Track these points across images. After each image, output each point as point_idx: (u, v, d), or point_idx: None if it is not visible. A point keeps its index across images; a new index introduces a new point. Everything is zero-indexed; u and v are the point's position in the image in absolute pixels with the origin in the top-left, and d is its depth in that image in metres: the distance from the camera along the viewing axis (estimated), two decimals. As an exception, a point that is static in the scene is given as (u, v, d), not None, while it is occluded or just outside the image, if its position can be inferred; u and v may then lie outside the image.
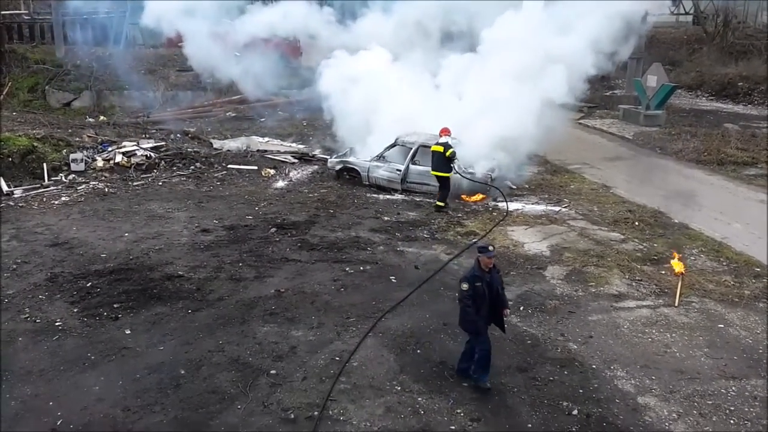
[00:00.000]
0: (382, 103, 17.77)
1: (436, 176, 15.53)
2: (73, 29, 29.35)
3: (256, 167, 18.46)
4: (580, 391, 8.52)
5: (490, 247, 8.52)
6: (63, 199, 15.47)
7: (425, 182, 16.27)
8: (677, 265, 11.99)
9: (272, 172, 18.20)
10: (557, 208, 15.75)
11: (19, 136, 17.85)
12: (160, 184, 16.94)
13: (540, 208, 15.82)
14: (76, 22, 29.46)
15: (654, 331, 10.09)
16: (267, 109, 26.37)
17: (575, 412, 8.09)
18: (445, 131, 15.47)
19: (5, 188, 15.61)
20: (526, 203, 16.13)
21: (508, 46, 17.11)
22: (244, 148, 20.07)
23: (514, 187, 17.21)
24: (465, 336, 9.69)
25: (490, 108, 16.63)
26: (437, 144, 15.42)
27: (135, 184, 16.81)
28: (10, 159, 16.59)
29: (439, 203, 15.44)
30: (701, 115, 27.62)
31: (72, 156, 17.38)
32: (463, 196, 16.17)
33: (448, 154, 15.21)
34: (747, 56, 34.43)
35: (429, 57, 19.37)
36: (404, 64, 19.05)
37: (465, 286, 8.30)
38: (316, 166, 18.89)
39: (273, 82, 28.18)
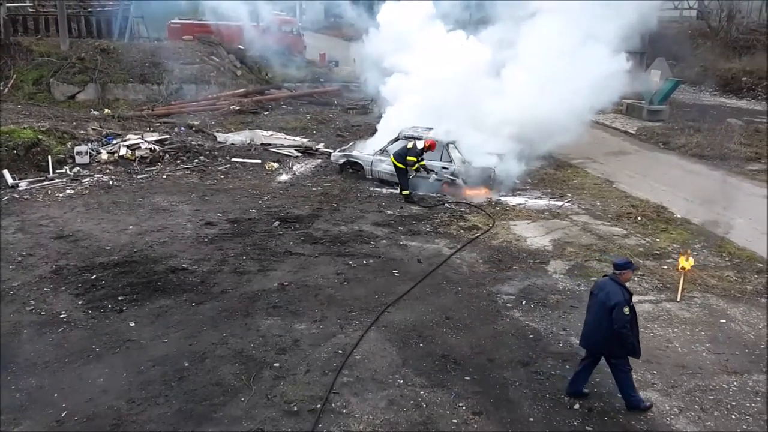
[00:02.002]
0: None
1: (393, 164, 15.79)
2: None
3: (259, 161, 18.49)
4: (582, 385, 8.56)
5: (633, 261, 8.14)
6: (68, 191, 15.53)
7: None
8: (688, 262, 11.76)
9: (276, 165, 18.24)
10: (560, 203, 15.77)
11: (24, 128, 17.87)
12: (165, 177, 16.98)
13: (543, 202, 15.84)
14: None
15: (656, 325, 10.12)
16: (270, 103, 26.39)
17: (577, 406, 8.13)
18: (429, 143, 15.68)
19: (10, 180, 15.66)
20: (529, 198, 16.16)
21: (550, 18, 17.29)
22: (248, 142, 20.10)
23: (518, 181, 17.22)
24: (468, 330, 9.74)
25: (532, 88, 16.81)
26: (415, 139, 15.69)
27: (139, 177, 16.86)
28: (15, 151, 16.63)
29: (404, 192, 15.64)
30: (704, 110, 27.55)
31: (77, 149, 17.41)
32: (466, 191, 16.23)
33: (409, 158, 15.47)
34: (751, 51, 34.34)
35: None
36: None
37: (627, 310, 7.68)
38: (320, 160, 18.92)
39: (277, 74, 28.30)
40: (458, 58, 17.43)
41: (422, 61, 17.81)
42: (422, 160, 15.78)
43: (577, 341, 9.52)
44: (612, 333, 7.76)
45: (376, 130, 19.29)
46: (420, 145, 15.54)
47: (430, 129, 16.87)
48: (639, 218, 14.70)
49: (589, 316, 8.16)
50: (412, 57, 18.20)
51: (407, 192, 15.68)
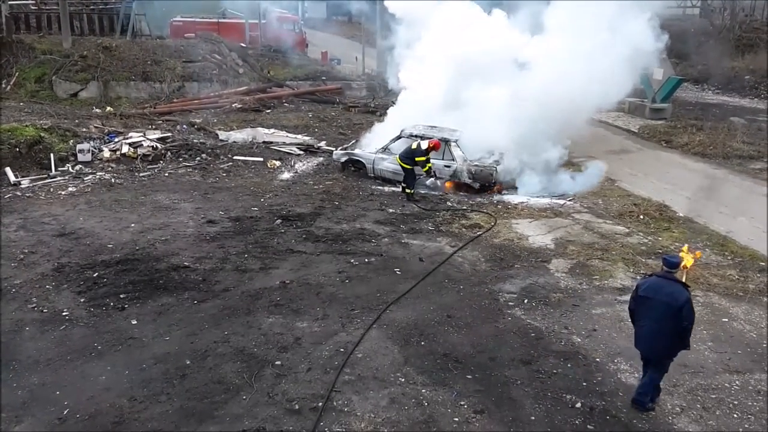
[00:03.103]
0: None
1: (400, 165, 15.75)
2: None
3: (261, 159, 18.49)
4: (584, 384, 8.56)
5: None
6: (70, 189, 15.53)
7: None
8: (692, 256, 11.71)
9: (278, 163, 18.23)
10: (562, 201, 15.74)
11: (26, 126, 17.86)
12: (167, 175, 16.98)
13: (545, 201, 15.81)
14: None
15: (658, 324, 10.09)
16: (272, 101, 26.37)
17: (579, 405, 8.12)
18: (434, 143, 15.63)
19: (12, 178, 15.66)
20: (530, 196, 16.13)
21: None
22: (250, 140, 20.10)
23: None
24: (469, 328, 9.74)
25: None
26: (421, 140, 15.60)
27: (141, 174, 16.86)
28: (18, 149, 16.62)
29: (407, 191, 15.61)
30: (707, 109, 27.54)
31: (79, 146, 17.40)
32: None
33: (417, 158, 15.44)
34: (754, 49, 34.30)
35: None
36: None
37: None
38: (322, 158, 18.92)
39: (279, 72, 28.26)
40: (497, 38, 17.45)
41: (446, 42, 17.73)
42: (428, 160, 15.76)
43: (580, 340, 9.56)
44: (677, 332, 7.64)
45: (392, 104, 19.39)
46: (424, 145, 15.49)
47: (433, 127, 16.88)
48: (641, 217, 14.67)
49: (647, 321, 7.77)
50: (433, 39, 18.16)
51: (411, 191, 15.66)
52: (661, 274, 7.83)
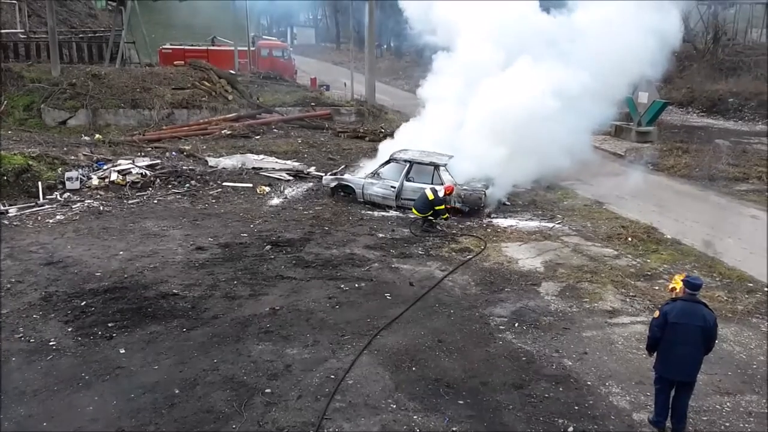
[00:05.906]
0: None
1: (418, 215, 15.36)
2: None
3: (251, 185, 18.49)
4: (576, 407, 8.53)
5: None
6: (58, 217, 15.45)
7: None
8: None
9: (267, 189, 18.24)
10: (551, 224, 15.82)
11: (15, 154, 17.82)
12: (155, 202, 16.95)
13: (534, 224, 15.89)
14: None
15: (648, 347, 10.11)
16: (261, 127, 26.47)
17: (571, 429, 8.09)
18: (449, 189, 15.42)
19: (0, 207, 15.58)
20: (519, 219, 16.21)
21: None
22: (239, 166, 20.12)
23: (508, 203, 17.31)
24: (460, 353, 9.70)
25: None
26: (432, 191, 15.15)
27: (130, 202, 16.80)
28: (5, 178, 16.53)
29: (430, 219, 15.30)
30: (692, 131, 27.87)
31: (67, 174, 17.36)
32: None
33: (437, 207, 14.98)
34: (737, 72, 34.84)
35: None
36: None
37: None
38: (311, 184, 18.94)
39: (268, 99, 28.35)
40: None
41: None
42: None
43: (570, 363, 9.55)
44: (705, 352, 7.85)
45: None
46: (441, 193, 15.18)
47: (423, 151, 17.01)
48: (629, 239, 14.76)
49: (681, 347, 7.72)
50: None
51: (434, 220, 15.20)
52: (686, 298, 7.82)
